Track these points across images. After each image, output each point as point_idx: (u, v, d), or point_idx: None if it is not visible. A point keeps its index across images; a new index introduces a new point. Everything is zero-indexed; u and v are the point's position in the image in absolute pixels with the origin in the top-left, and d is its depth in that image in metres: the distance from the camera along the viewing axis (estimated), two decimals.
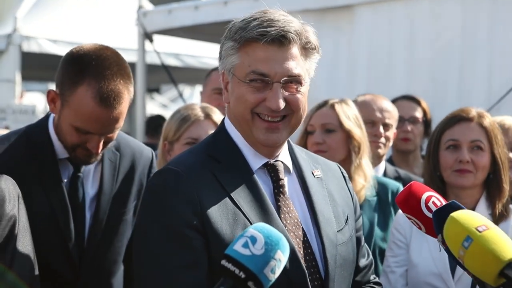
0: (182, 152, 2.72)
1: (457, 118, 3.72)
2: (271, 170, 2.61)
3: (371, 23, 7.15)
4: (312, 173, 2.71)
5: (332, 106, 4.24)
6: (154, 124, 9.83)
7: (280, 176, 2.60)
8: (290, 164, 2.67)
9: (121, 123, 3.23)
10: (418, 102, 5.66)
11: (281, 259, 2.14)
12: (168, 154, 4.13)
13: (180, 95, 11.94)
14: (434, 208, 2.65)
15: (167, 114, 13.62)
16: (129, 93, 3.21)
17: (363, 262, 2.82)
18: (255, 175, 2.56)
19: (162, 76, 11.10)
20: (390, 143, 4.93)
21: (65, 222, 3.27)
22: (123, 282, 3.62)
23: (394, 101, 5.63)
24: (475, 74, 6.57)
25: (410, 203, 2.67)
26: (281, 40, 2.48)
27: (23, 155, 3.23)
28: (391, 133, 4.88)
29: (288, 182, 2.64)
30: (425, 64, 6.87)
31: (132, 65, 10.96)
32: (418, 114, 5.59)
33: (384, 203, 4.27)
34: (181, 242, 2.40)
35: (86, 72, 3.12)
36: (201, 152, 2.59)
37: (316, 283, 2.51)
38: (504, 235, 2.13)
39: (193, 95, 19.14)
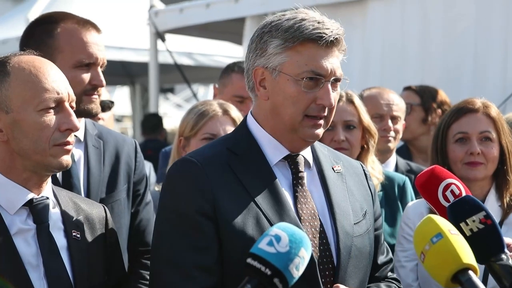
0: (203, 146, 2.82)
1: (463, 110, 3.68)
2: (292, 163, 2.71)
3: (383, 16, 7.13)
4: (332, 168, 2.80)
5: (351, 100, 4.08)
6: (151, 122, 9.93)
7: (300, 168, 2.71)
8: (310, 159, 2.76)
9: None
10: (414, 91, 5.62)
11: (305, 256, 2.21)
12: (183, 150, 4.04)
13: (194, 95, 11.94)
14: (451, 198, 2.63)
15: (181, 114, 13.61)
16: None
17: (381, 259, 2.90)
18: (272, 168, 2.67)
19: (175, 76, 11.11)
20: (400, 136, 4.89)
21: None
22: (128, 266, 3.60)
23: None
24: (489, 64, 6.52)
25: (428, 187, 2.66)
26: (334, 42, 2.61)
27: None
28: (400, 125, 4.84)
29: (308, 176, 2.74)
30: (438, 55, 6.84)
31: (145, 65, 10.94)
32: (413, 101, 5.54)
33: (390, 198, 4.20)
34: (191, 227, 2.54)
35: None
36: (220, 145, 2.72)
37: (327, 272, 2.62)
38: (468, 246, 2.22)
39: (207, 94, 19.09)
